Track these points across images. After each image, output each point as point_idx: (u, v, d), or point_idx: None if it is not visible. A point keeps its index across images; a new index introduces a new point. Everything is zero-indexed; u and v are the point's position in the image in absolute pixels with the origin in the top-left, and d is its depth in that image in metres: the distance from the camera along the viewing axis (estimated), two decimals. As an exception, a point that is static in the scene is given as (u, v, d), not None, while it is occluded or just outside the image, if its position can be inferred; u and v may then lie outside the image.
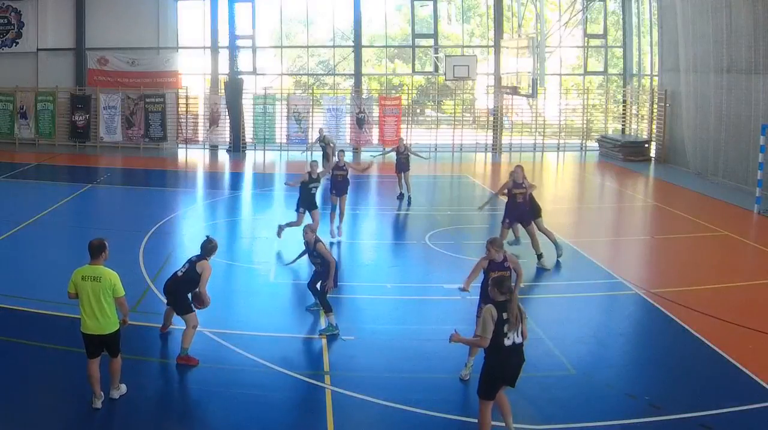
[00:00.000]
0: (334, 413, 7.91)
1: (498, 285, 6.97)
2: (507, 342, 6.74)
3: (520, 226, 13.93)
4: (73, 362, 9.03)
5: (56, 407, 7.99)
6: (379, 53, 33.29)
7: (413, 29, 30.67)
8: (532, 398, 8.32)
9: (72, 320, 10.33)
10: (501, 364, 6.81)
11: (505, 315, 6.73)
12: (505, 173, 26.98)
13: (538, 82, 24.51)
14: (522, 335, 6.88)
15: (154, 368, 9.10)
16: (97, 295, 7.51)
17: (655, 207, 20.07)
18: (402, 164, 19.54)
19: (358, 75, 30.36)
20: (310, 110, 29.87)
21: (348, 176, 15.89)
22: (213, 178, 25.51)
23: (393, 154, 20.43)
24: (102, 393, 7.84)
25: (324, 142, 22.91)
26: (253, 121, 29.89)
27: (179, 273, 9.23)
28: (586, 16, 29.76)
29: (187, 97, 29.96)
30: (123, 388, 8.06)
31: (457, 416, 7.88)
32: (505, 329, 6.72)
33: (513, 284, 7.69)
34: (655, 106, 28.51)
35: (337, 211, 15.54)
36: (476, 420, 7.18)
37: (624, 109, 31.26)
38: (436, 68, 30.12)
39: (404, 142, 20.99)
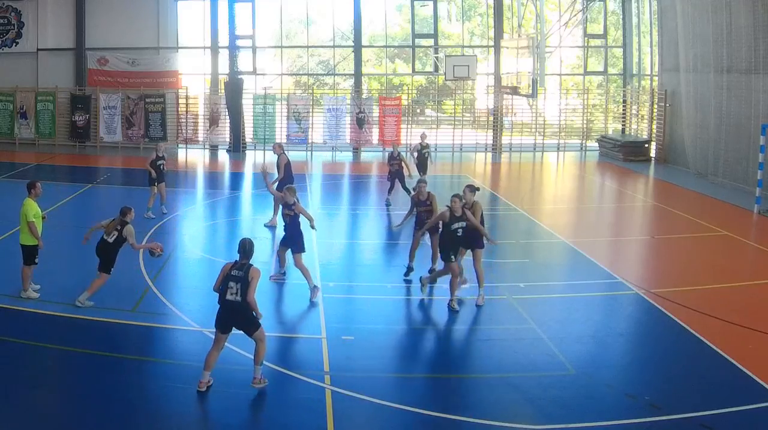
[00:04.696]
0: (334, 413, 7.92)
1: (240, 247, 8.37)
2: (229, 296, 8.13)
3: None
4: (73, 362, 9.05)
5: (56, 407, 8.00)
6: (379, 53, 33.28)
7: (413, 29, 30.66)
8: (532, 398, 8.33)
9: (72, 320, 10.38)
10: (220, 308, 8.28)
11: (234, 272, 8.15)
12: (506, 174, 27.11)
13: (538, 82, 24.51)
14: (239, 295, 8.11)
15: (155, 368, 9.09)
16: (21, 217, 11.04)
17: (655, 207, 20.07)
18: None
19: (358, 75, 30.36)
20: (310, 110, 29.87)
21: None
22: (213, 178, 25.52)
23: None
24: (30, 290, 11.02)
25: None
26: (253, 121, 29.89)
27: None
28: (586, 16, 29.76)
29: (187, 97, 29.96)
30: (30, 293, 10.96)
31: (457, 417, 7.88)
32: (230, 284, 8.12)
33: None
34: (655, 106, 28.51)
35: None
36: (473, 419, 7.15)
37: (624, 109, 31.26)
38: (436, 68, 30.12)
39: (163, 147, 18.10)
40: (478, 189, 11.86)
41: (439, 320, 10.87)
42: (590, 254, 14.28)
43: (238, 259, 8.29)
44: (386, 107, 29.78)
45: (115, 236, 10.91)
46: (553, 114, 31.36)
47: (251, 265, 8.18)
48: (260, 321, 8.32)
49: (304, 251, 11.84)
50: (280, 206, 14.75)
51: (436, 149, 29.67)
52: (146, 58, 29.63)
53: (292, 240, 11.90)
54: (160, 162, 17.20)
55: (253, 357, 8.43)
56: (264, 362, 8.42)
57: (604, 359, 9.57)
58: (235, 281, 8.09)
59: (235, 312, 8.16)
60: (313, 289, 11.51)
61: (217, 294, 8.33)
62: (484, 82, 30.51)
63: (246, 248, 8.27)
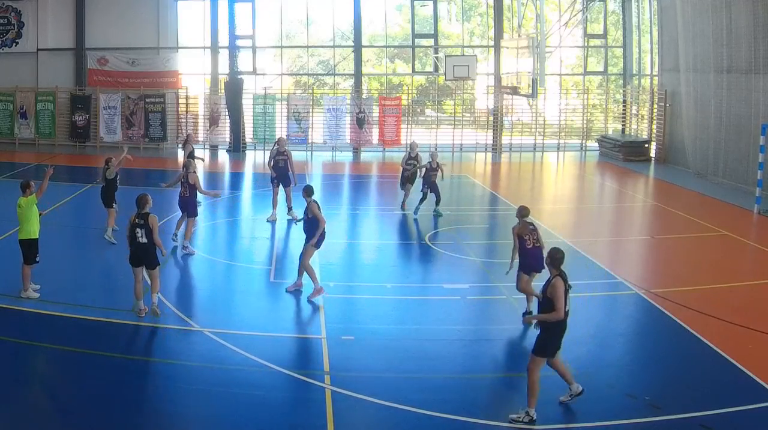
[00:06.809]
0: (334, 413, 7.92)
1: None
2: (139, 239, 10.45)
3: None
4: (73, 362, 9.05)
5: (56, 407, 8.01)
6: (379, 53, 33.28)
7: (413, 29, 30.66)
8: (532, 398, 8.32)
9: (72, 320, 10.39)
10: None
11: (137, 221, 10.53)
12: (506, 174, 27.10)
13: (538, 82, 24.49)
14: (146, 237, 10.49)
15: (155, 368, 9.10)
16: (19, 215, 11.18)
17: (655, 207, 20.07)
18: None
19: (358, 75, 30.35)
20: (310, 110, 29.87)
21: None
22: (213, 178, 25.48)
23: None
24: (30, 289, 11.12)
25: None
26: (253, 121, 29.89)
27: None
28: (586, 16, 29.76)
29: (187, 97, 29.96)
30: (30, 293, 11.08)
31: (457, 417, 7.88)
32: (137, 230, 10.46)
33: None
34: (655, 106, 28.51)
35: None
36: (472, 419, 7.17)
37: (624, 109, 31.26)
38: (436, 68, 30.11)
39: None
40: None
41: (439, 320, 10.86)
42: (590, 253, 14.28)
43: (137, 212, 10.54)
44: (386, 107, 29.77)
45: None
46: (553, 114, 31.35)
47: (149, 214, 10.56)
48: (159, 259, 10.74)
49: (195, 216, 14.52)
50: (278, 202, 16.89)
51: (436, 149, 29.62)
52: (146, 58, 29.62)
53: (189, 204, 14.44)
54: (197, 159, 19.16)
55: (150, 289, 10.61)
56: (265, 362, 8.40)
57: (604, 359, 9.57)
58: (140, 228, 10.45)
59: (142, 251, 10.46)
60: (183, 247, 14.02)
61: (128, 240, 10.58)
62: (484, 82, 30.50)
63: (138, 201, 10.63)
